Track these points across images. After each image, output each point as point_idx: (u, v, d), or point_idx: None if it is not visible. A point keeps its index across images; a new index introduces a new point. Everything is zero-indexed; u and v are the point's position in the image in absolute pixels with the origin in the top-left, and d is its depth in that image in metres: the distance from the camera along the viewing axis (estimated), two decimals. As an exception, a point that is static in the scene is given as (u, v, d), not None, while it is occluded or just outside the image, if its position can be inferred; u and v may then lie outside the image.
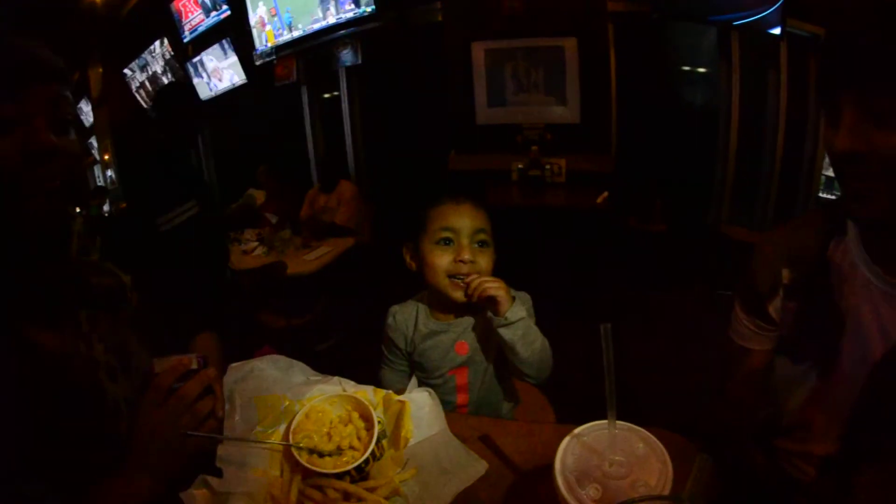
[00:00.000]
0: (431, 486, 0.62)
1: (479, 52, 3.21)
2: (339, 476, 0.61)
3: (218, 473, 0.62)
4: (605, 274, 2.80)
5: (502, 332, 0.88)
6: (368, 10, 3.38)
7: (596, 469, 0.50)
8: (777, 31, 3.02)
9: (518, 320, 0.88)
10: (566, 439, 0.53)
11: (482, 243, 0.94)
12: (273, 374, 0.73)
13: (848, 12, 0.59)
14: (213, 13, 4.36)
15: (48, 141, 0.54)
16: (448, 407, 0.97)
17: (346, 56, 3.53)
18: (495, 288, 0.87)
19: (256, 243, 2.78)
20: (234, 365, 0.72)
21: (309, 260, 2.60)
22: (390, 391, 0.73)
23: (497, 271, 0.95)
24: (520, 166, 3.10)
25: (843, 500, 0.70)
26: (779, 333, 0.79)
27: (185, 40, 4.64)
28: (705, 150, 3.22)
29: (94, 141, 5.66)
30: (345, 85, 3.74)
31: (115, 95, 5.27)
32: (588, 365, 0.79)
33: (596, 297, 2.60)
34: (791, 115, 3.03)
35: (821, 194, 2.98)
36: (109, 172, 5.52)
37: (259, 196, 3.26)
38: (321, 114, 4.04)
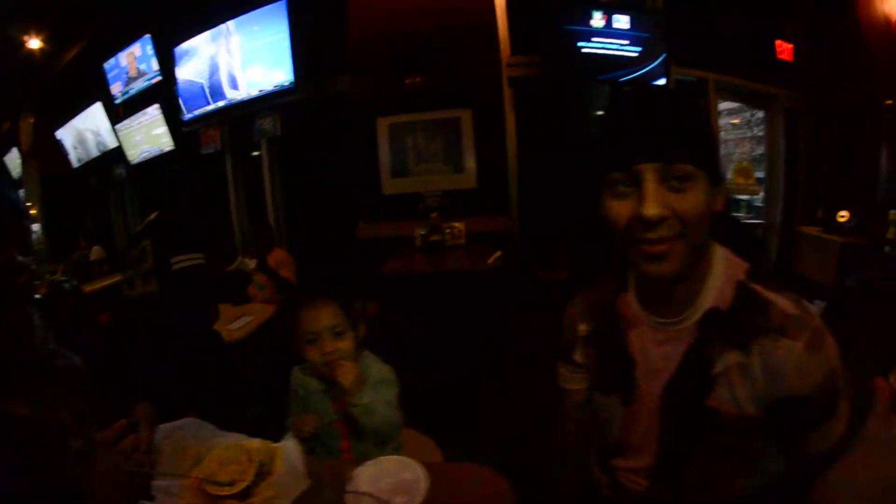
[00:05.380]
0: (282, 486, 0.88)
1: (383, 126, 3.48)
2: (233, 497, 0.85)
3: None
4: (507, 329, 2.96)
5: (348, 406, 1.14)
6: (287, 83, 3.65)
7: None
8: (662, 81, 3.45)
9: (359, 405, 1.13)
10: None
11: (339, 333, 1.18)
12: (190, 431, 0.99)
13: (633, 100, 0.74)
14: (145, 77, 4.51)
15: (18, 261, 0.76)
16: (334, 453, 1.20)
17: (267, 127, 3.74)
18: (343, 375, 1.13)
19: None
20: (161, 425, 0.98)
21: (234, 329, 2.64)
22: (268, 441, 0.96)
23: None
24: (422, 232, 3.33)
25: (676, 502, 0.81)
26: (588, 374, 0.92)
27: (117, 101, 4.77)
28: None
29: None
30: (266, 154, 3.92)
31: (45, 148, 5.26)
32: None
33: (495, 353, 2.79)
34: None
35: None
36: (36, 227, 5.33)
37: (252, 263, 3.16)
38: (245, 181, 4.19)
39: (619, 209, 0.69)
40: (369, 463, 0.87)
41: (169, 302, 2.48)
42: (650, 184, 0.66)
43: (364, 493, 0.78)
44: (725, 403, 0.73)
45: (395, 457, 0.90)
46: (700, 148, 0.69)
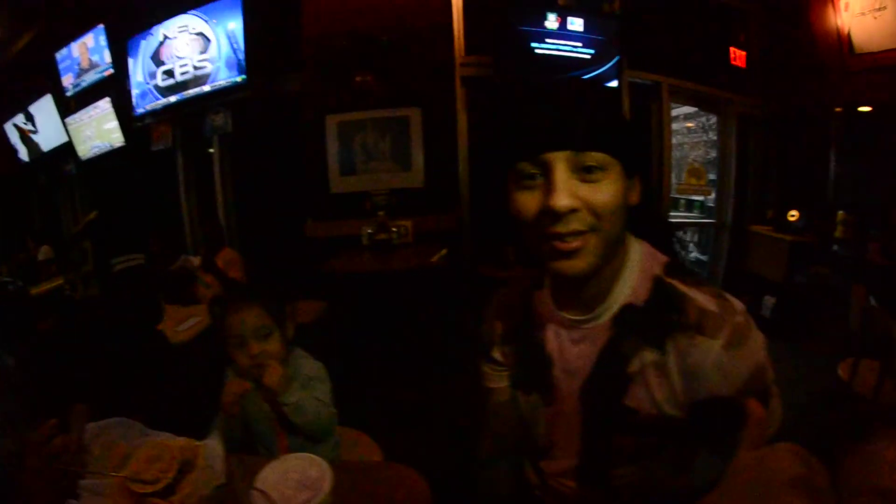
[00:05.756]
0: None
1: (331, 124, 3.45)
2: (156, 493, 0.87)
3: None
4: (454, 327, 2.92)
5: (278, 405, 1.16)
6: (239, 79, 3.60)
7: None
8: (614, 83, 3.51)
9: (289, 403, 1.15)
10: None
11: (265, 335, 1.18)
12: (119, 430, 1.01)
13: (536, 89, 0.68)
14: (97, 69, 4.39)
15: None
16: (273, 452, 1.22)
17: (218, 123, 3.68)
18: (269, 376, 1.13)
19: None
20: (91, 424, 0.98)
21: (181, 330, 2.60)
22: (192, 440, 0.97)
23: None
24: (369, 231, 3.30)
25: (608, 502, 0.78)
26: (509, 372, 0.89)
27: (68, 94, 4.61)
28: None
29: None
30: (217, 152, 3.85)
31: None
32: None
33: (441, 351, 2.78)
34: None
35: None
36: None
37: (196, 261, 3.08)
38: (196, 179, 4.10)
39: (527, 202, 0.64)
40: (276, 460, 0.88)
41: (111, 303, 2.44)
42: (559, 174, 0.61)
43: (257, 489, 0.78)
44: (643, 403, 0.70)
45: (302, 454, 0.90)
46: (614, 136, 0.64)
